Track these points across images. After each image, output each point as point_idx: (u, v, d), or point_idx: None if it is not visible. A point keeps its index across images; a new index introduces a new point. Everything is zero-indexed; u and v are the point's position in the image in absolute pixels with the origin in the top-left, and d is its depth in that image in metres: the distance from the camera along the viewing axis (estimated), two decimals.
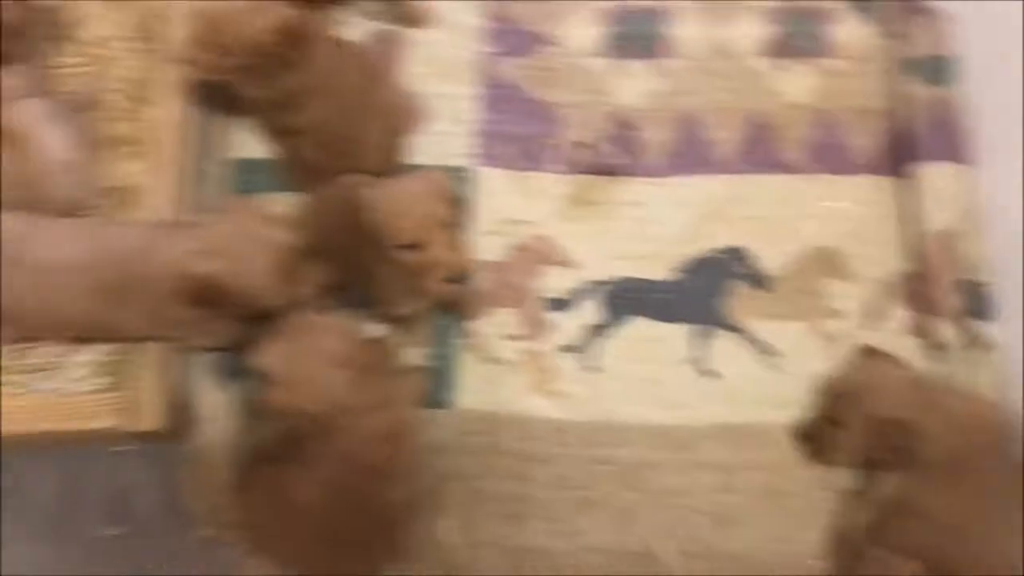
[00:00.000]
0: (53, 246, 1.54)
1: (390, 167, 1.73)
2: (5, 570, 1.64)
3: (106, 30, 1.86)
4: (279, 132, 1.75)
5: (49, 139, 1.71)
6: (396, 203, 1.51)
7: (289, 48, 1.59)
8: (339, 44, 1.75)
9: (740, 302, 1.77)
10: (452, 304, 1.69)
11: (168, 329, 1.56)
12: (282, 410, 1.46)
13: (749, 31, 1.95)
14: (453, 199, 1.58)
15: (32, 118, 1.71)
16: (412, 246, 1.49)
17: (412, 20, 1.92)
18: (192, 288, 1.42)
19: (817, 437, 1.66)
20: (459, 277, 1.52)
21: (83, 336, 1.58)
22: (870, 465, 1.58)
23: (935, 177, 1.77)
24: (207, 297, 1.42)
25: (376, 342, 1.57)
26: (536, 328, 1.75)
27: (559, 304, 1.77)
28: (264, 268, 1.43)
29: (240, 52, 1.57)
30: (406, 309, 1.65)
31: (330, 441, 1.45)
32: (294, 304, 1.50)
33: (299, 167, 1.75)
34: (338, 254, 1.58)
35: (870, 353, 1.63)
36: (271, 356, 1.48)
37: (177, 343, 1.60)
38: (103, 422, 1.55)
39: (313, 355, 1.46)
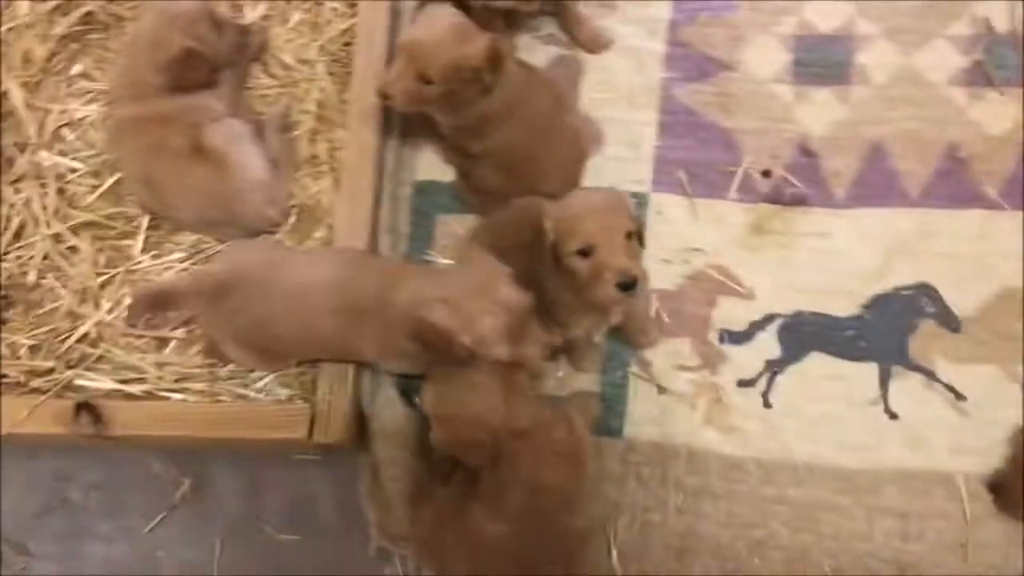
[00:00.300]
0: (307, 269, 1.63)
1: (569, 191, 1.74)
2: (183, 570, 1.74)
3: (302, 54, 1.95)
4: (465, 155, 1.79)
5: (245, 158, 1.81)
6: (571, 210, 1.52)
7: (491, 73, 1.63)
8: (527, 69, 1.77)
9: (928, 342, 1.70)
10: (624, 322, 1.69)
11: (392, 357, 1.64)
12: (448, 446, 1.52)
13: (942, 59, 1.87)
14: (631, 211, 1.57)
15: (230, 138, 1.82)
16: (585, 252, 1.49)
17: (591, 45, 1.93)
18: (425, 332, 1.48)
19: (1009, 489, 1.58)
20: (631, 284, 1.51)
21: (327, 354, 1.67)
22: None
23: None
24: (436, 343, 1.48)
25: (523, 368, 1.59)
26: (711, 360, 1.73)
27: (736, 336, 1.74)
28: (494, 328, 1.47)
29: (443, 79, 1.62)
30: (580, 329, 1.65)
31: (510, 466, 1.47)
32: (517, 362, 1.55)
33: (482, 189, 1.79)
34: (515, 274, 1.61)
35: None
36: (429, 398, 1.53)
37: (391, 370, 1.70)
38: (291, 432, 1.63)
39: (465, 390, 1.50)
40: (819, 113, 1.86)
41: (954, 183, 1.79)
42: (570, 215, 1.50)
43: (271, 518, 1.73)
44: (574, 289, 1.53)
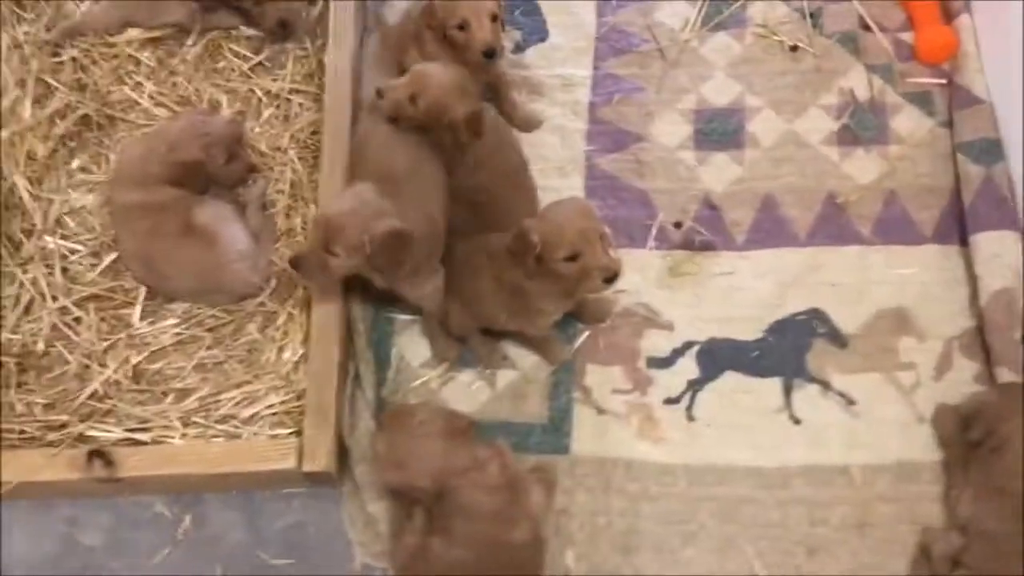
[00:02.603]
0: None
1: None
2: None
3: (275, 143, 2.24)
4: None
5: (231, 234, 2.07)
6: (552, 224, 1.78)
7: (470, 136, 1.94)
8: (502, 131, 2.09)
9: (821, 358, 2.00)
10: (588, 308, 2.00)
11: None
12: (396, 488, 1.77)
13: (817, 124, 2.23)
14: (596, 214, 1.84)
15: (217, 217, 2.08)
16: (572, 257, 1.78)
17: (525, 125, 2.26)
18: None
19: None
20: (614, 276, 1.77)
21: None
22: None
23: (991, 244, 1.99)
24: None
25: (460, 415, 1.84)
26: (641, 383, 2.01)
27: (660, 362, 2.02)
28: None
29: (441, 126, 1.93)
30: (552, 315, 1.92)
31: (451, 501, 1.71)
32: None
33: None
34: (481, 301, 1.91)
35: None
36: (378, 445, 1.78)
37: None
38: (282, 463, 1.86)
39: (410, 436, 1.75)
40: (719, 173, 2.20)
41: (834, 225, 2.12)
42: (552, 228, 1.77)
43: (266, 546, 1.93)
44: (560, 285, 1.82)
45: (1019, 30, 2.02)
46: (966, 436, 1.81)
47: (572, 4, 2.41)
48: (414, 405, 1.92)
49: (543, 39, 2.38)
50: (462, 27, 2.02)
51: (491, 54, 2.02)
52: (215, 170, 2.10)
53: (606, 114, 2.29)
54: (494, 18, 2.02)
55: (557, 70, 2.33)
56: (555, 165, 2.23)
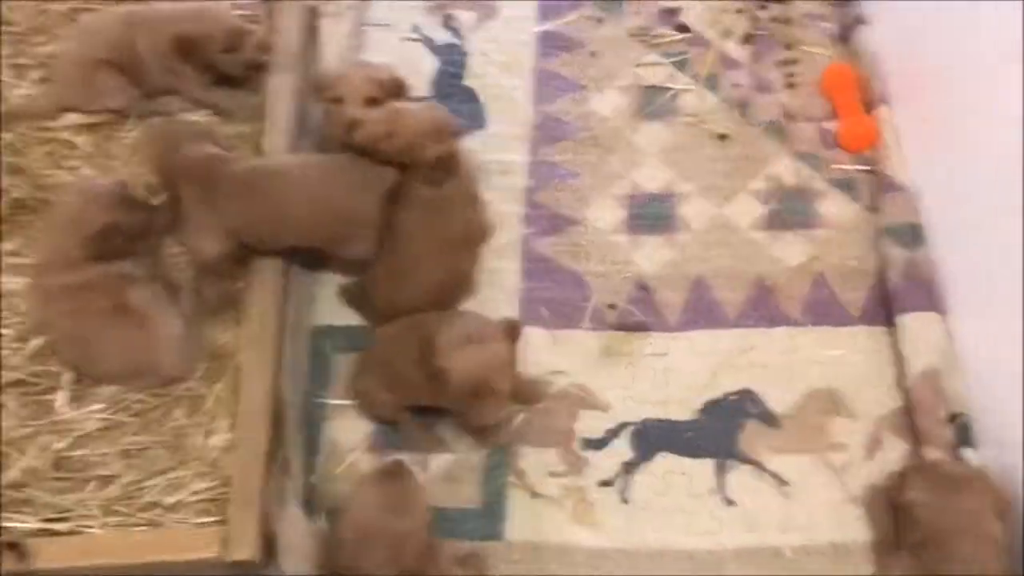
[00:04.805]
0: None
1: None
2: None
3: None
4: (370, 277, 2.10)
5: (163, 317, 2.05)
6: (466, 360, 1.80)
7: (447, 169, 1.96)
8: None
9: (753, 438, 2.01)
10: (526, 392, 2.03)
11: None
12: None
13: (747, 209, 2.29)
14: (515, 333, 1.88)
15: (149, 300, 2.06)
16: (481, 395, 1.79)
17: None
18: None
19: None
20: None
21: None
22: None
23: (916, 325, 2.04)
24: None
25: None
26: (576, 465, 2.00)
27: (595, 443, 2.02)
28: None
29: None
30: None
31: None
32: None
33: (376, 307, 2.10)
34: (408, 382, 1.90)
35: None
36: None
37: None
38: (204, 552, 1.80)
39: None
40: (652, 256, 2.24)
41: (763, 307, 2.16)
42: (464, 367, 1.79)
43: None
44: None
45: (938, 119, 2.12)
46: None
47: (509, 93, 2.48)
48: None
49: (481, 127, 2.43)
50: (337, 101, 2.04)
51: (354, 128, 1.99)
52: (127, 225, 2.07)
53: (543, 199, 2.33)
54: (370, 101, 2.02)
55: (495, 156, 2.38)
56: (493, 248, 2.25)
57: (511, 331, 1.88)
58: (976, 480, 1.77)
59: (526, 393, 2.04)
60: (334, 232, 2.03)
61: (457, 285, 2.11)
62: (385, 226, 2.01)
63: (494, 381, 1.81)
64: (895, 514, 1.82)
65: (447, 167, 1.96)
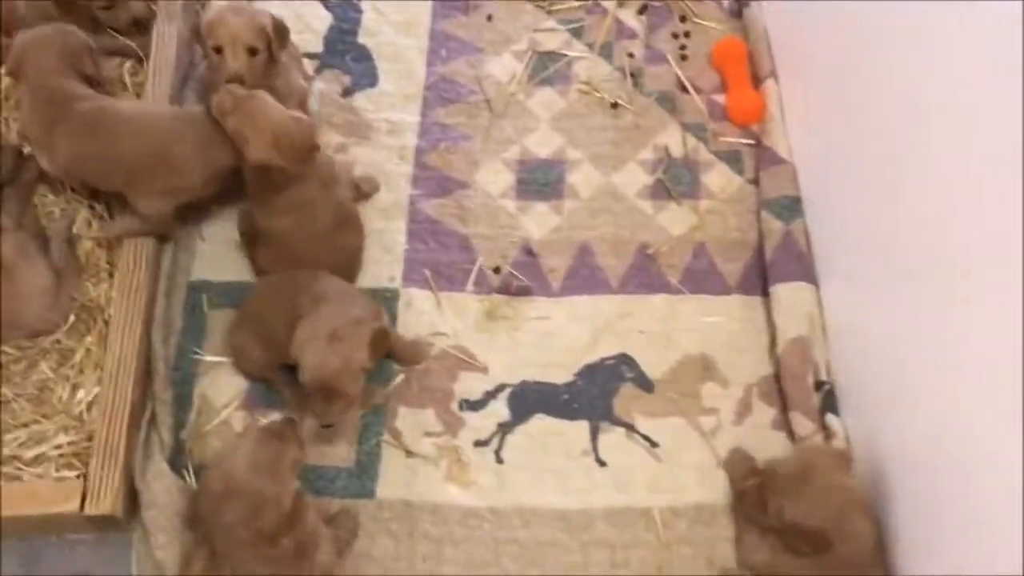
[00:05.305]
0: None
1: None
2: None
3: None
4: (256, 233, 2.07)
5: (31, 268, 1.99)
6: (319, 359, 1.79)
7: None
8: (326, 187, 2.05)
9: (628, 402, 2.04)
10: (396, 352, 2.03)
11: None
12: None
13: (633, 178, 2.31)
14: (379, 337, 1.87)
15: (18, 250, 1.99)
16: (327, 397, 1.80)
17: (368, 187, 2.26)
18: None
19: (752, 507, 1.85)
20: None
21: None
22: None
23: (789, 295, 2.09)
24: None
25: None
26: (452, 426, 2.00)
27: (473, 404, 2.03)
28: None
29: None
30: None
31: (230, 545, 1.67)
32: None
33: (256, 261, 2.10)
34: (278, 341, 1.88)
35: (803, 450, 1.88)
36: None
37: None
38: (64, 506, 1.76)
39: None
40: (538, 221, 2.25)
41: (645, 274, 2.19)
42: (316, 364, 1.79)
43: None
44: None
45: (819, 94, 2.16)
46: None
47: (403, 53, 2.45)
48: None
49: (372, 85, 2.40)
50: (218, 51, 2.02)
51: (240, 82, 1.99)
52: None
53: (432, 160, 2.32)
54: (252, 51, 2.01)
55: (385, 115, 2.36)
56: (379, 207, 2.24)
57: (377, 341, 1.86)
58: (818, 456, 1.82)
59: (407, 355, 2.04)
60: (158, 184, 2.01)
61: (346, 265, 2.10)
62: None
63: (343, 386, 1.81)
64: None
65: (300, 174, 1.96)
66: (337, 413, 1.82)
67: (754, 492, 1.82)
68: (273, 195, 1.98)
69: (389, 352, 1.99)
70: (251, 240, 2.10)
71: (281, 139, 1.91)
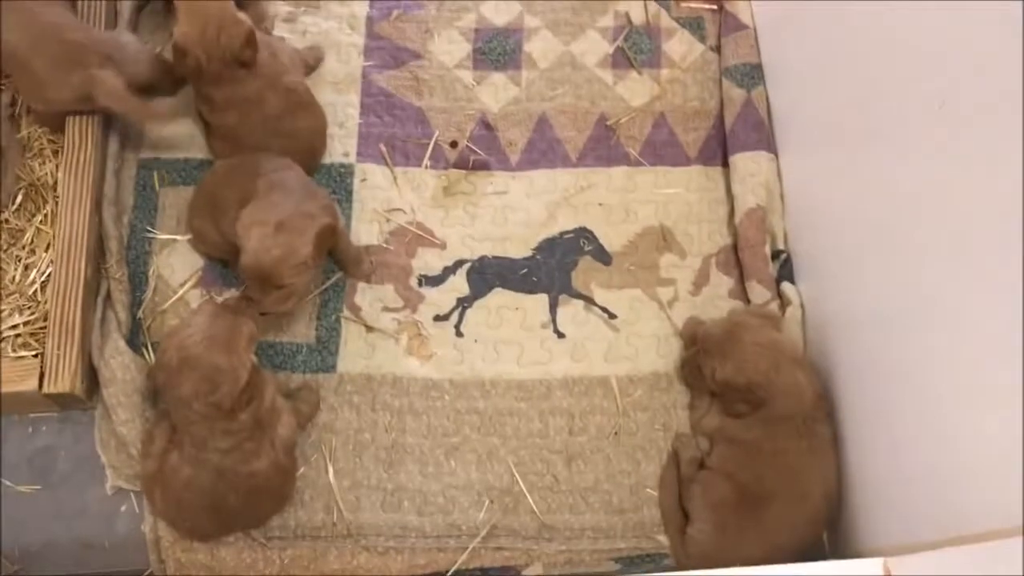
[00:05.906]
0: None
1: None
2: None
3: None
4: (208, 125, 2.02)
5: None
6: (261, 246, 1.73)
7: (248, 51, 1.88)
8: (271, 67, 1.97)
9: (586, 274, 2.05)
10: (340, 260, 2.00)
11: None
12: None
13: (593, 46, 2.25)
14: (325, 233, 1.81)
15: None
16: (265, 287, 1.76)
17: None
18: None
19: (691, 374, 1.92)
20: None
21: None
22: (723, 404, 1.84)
23: (747, 164, 2.08)
24: None
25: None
26: (412, 301, 2.01)
27: (432, 280, 2.03)
28: None
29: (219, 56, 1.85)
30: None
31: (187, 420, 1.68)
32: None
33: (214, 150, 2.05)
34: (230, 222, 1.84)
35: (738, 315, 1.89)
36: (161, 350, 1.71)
37: None
38: (22, 386, 1.76)
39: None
40: (496, 93, 2.20)
41: (604, 147, 2.16)
42: (264, 259, 1.74)
43: (11, 473, 1.84)
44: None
45: None
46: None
47: None
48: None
49: None
50: None
51: None
52: None
53: (384, 29, 2.24)
54: None
55: None
56: (330, 80, 2.18)
57: (323, 237, 1.79)
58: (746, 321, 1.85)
59: (349, 262, 2.00)
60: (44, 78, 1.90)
61: (306, 149, 2.05)
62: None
63: (281, 278, 1.75)
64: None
65: (249, 46, 1.88)
66: (273, 303, 1.78)
67: (692, 359, 1.85)
68: (212, 90, 1.91)
69: (332, 252, 1.95)
70: (205, 127, 2.04)
71: (207, 31, 1.83)
